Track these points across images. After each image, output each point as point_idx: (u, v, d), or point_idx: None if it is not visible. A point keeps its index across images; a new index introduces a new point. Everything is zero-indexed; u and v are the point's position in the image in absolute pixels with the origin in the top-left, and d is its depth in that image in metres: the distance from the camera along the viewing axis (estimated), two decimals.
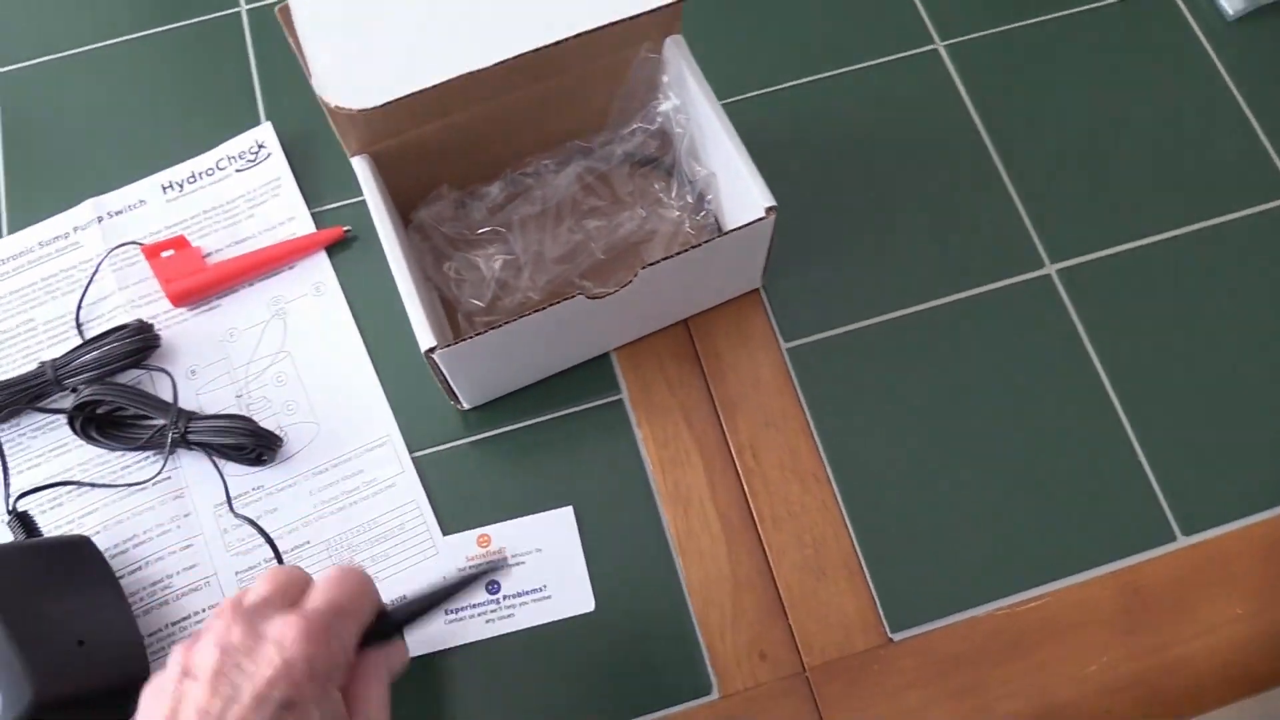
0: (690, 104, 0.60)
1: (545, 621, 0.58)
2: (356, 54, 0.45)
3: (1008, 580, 0.58)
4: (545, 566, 0.59)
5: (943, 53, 0.72)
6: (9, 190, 0.71)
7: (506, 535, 0.60)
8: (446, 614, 0.58)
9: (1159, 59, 0.72)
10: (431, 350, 0.53)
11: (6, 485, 0.62)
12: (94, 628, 0.55)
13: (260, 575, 0.47)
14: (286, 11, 0.47)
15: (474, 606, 0.58)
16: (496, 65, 0.44)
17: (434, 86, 0.46)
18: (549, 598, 0.59)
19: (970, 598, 0.58)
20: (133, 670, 0.56)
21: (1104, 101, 0.71)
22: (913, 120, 0.70)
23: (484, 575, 0.50)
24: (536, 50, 0.45)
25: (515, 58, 0.45)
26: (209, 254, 0.68)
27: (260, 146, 0.72)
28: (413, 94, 0.43)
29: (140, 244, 0.68)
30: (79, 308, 0.67)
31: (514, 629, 0.58)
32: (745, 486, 0.60)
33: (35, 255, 0.69)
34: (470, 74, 0.45)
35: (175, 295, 0.66)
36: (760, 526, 0.59)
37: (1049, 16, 0.73)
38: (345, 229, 0.68)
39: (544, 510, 0.60)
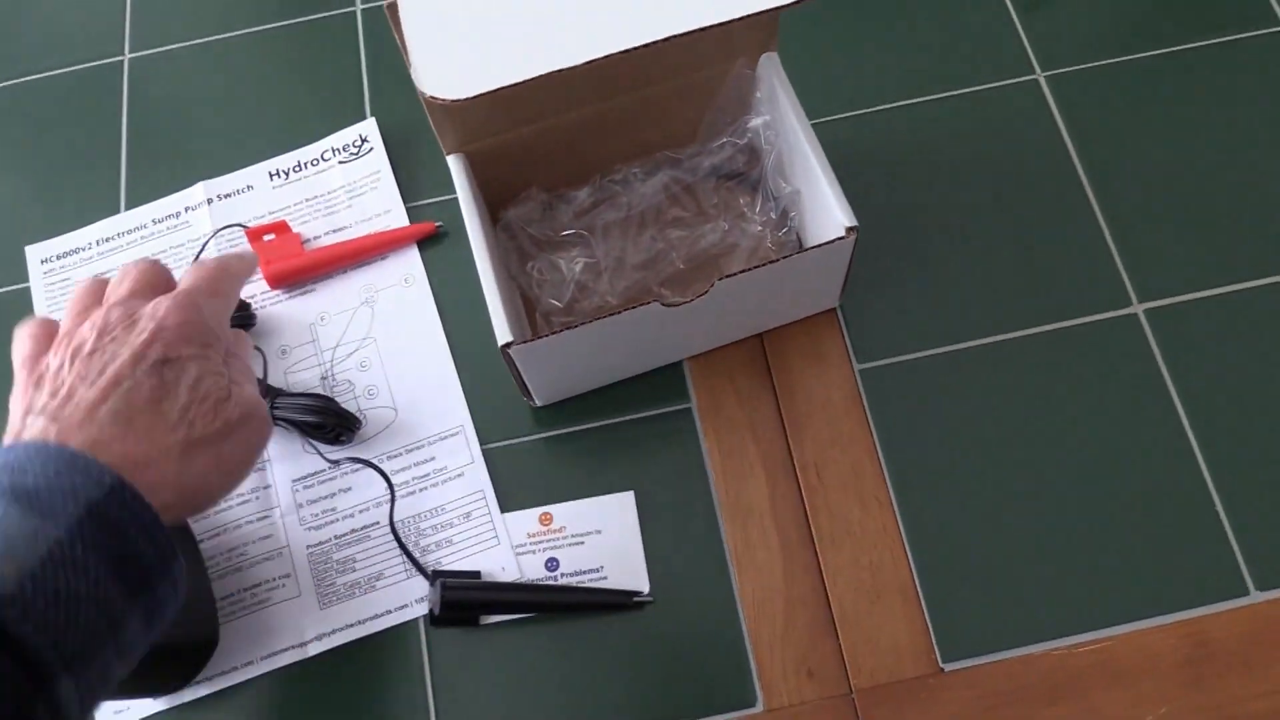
0: (780, 121, 0.61)
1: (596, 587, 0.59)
2: (457, 49, 0.47)
3: (1068, 620, 0.57)
4: (604, 547, 0.60)
5: (1043, 83, 0.71)
6: (129, 169, 0.75)
7: (567, 515, 0.61)
8: None
9: (1267, 100, 0.70)
10: (508, 345, 0.55)
11: None
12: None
13: (121, 270, 0.49)
14: (395, 8, 0.49)
15: (532, 581, 0.60)
16: (589, 64, 0.45)
17: (528, 84, 0.47)
18: (605, 579, 0.60)
19: (1027, 634, 0.57)
20: (204, 633, 0.59)
21: (1206, 141, 0.69)
22: (1005, 149, 0.69)
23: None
24: (630, 51, 0.46)
25: (608, 58, 0.46)
26: (307, 240, 0.71)
27: (364, 140, 0.75)
28: (506, 88, 0.45)
29: (245, 226, 0.71)
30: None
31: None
32: (806, 504, 0.60)
33: (149, 231, 0.73)
34: (564, 73, 0.46)
35: (273, 277, 0.69)
36: (818, 544, 0.59)
37: (1154, 53, 0.72)
38: (437, 224, 0.70)
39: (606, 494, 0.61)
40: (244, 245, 0.71)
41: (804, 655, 0.57)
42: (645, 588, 0.59)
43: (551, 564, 0.60)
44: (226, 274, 0.51)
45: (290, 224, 0.71)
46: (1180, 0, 0.74)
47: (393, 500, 0.62)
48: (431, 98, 0.44)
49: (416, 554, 0.61)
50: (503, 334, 0.55)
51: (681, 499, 0.61)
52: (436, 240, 0.70)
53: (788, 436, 0.62)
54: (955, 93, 0.71)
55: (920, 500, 0.60)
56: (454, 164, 0.60)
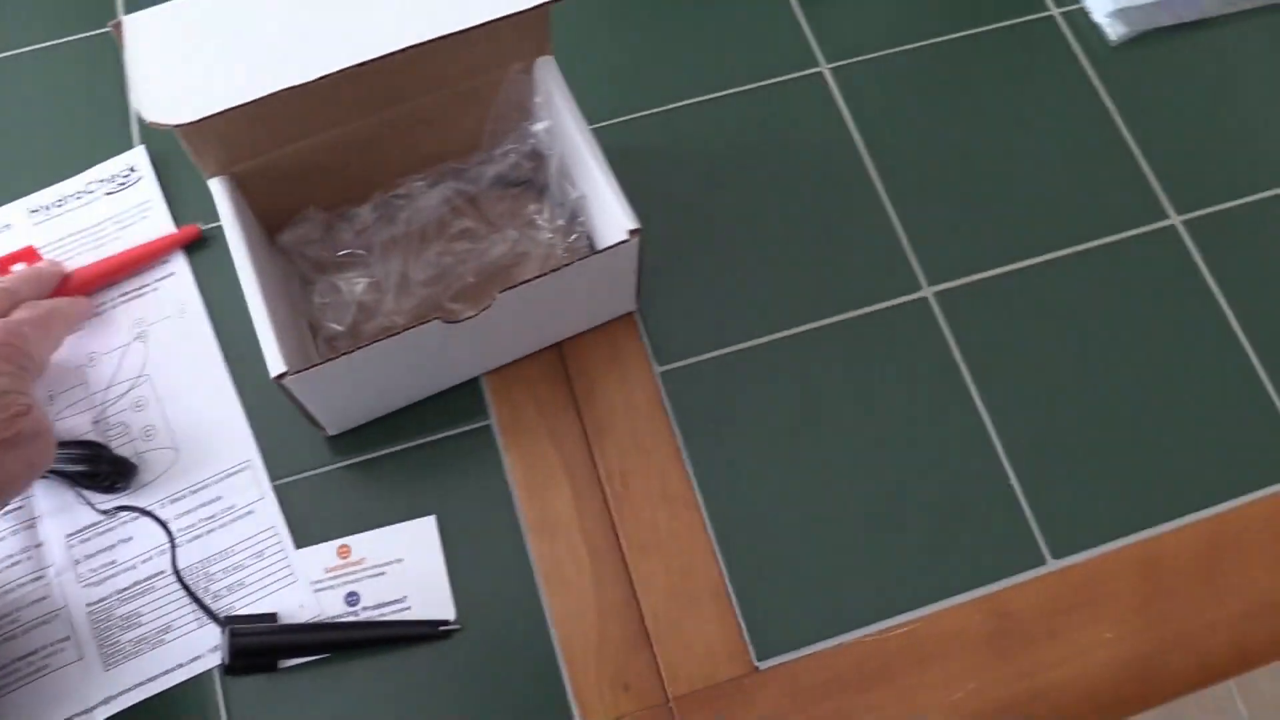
0: (559, 125, 0.59)
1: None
2: (184, 70, 0.44)
3: (877, 607, 0.57)
4: (406, 577, 0.58)
5: (827, 75, 0.72)
6: None
7: (367, 545, 0.59)
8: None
9: (1041, 84, 0.73)
10: (281, 376, 0.52)
11: None
12: None
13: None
14: (120, 28, 0.46)
15: (331, 618, 0.57)
16: (322, 79, 0.43)
17: (269, 103, 0.45)
18: (409, 609, 0.57)
19: (839, 625, 0.57)
20: None
21: (985, 125, 0.71)
22: (793, 142, 0.70)
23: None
24: (370, 63, 0.44)
25: (344, 72, 0.44)
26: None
27: (131, 170, 0.70)
28: (234, 109, 0.42)
29: None
30: None
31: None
32: (613, 513, 0.59)
33: None
34: (300, 90, 0.43)
35: None
36: (627, 554, 0.58)
37: (931, 41, 0.74)
38: (201, 226, 0.67)
39: (436, 615, 0.58)
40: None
41: (619, 669, 0.56)
42: (451, 615, 0.57)
43: (352, 598, 0.58)
44: (57, 313, 0.57)
45: (41, 252, 0.66)
46: None
47: (173, 546, 0.58)
48: (152, 123, 0.41)
49: (207, 600, 0.57)
50: (275, 365, 0.52)
51: (485, 519, 0.59)
52: (213, 265, 0.66)
53: (590, 445, 0.61)
54: (741, 89, 0.71)
55: (726, 500, 0.60)
56: (215, 187, 0.57)
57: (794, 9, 0.75)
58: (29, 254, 0.66)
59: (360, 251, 0.60)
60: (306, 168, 0.60)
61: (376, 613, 0.57)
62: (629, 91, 0.71)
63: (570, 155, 0.60)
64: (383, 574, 0.58)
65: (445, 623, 0.56)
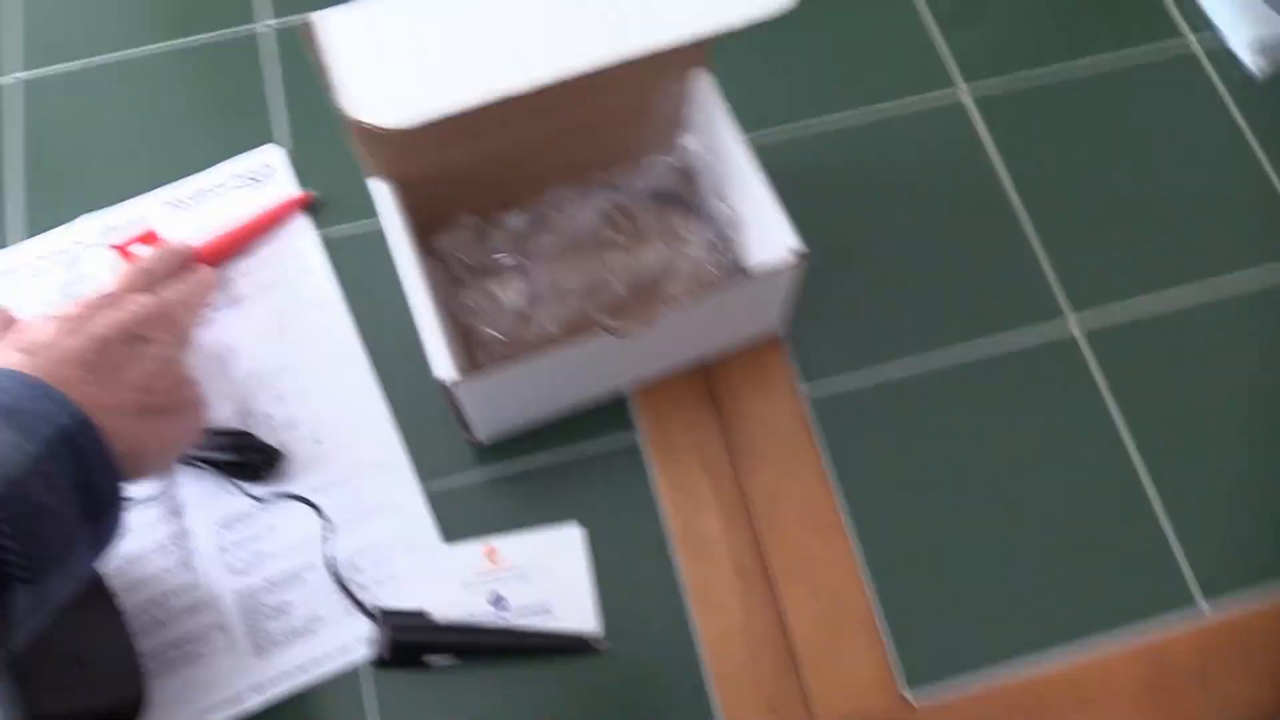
0: (716, 141, 0.59)
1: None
2: (386, 72, 0.44)
3: (1028, 642, 0.56)
4: (552, 584, 0.58)
5: (967, 99, 0.71)
6: (28, 197, 0.69)
7: (514, 549, 0.58)
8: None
9: (1184, 117, 0.72)
10: (451, 383, 0.52)
11: None
12: (93, 647, 0.54)
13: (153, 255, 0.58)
14: (310, 28, 0.46)
15: (478, 620, 0.57)
16: (534, 91, 0.43)
17: (465, 110, 0.44)
18: (554, 616, 0.57)
19: (989, 658, 0.56)
20: (129, 693, 0.55)
21: (1128, 157, 0.70)
22: (938, 166, 0.69)
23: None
24: (572, 78, 0.44)
25: (550, 85, 0.44)
26: None
27: (267, 166, 0.70)
28: (447, 117, 0.42)
29: (112, 245, 0.67)
30: None
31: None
32: (761, 536, 0.59)
33: (37, 268, 0.68)
34: (505, 98, 0.43)
35: None
36: (775, 578, 0.58)
37: (1073, 62, 0.73)
38: (313, 194, 0.68)
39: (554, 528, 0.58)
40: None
41: (768, 693, 0.55)
42: (596, 626, 0.56)
43: (498, 601, 0.57)
44: (197, 287, 0.58)
45: (159, 234, 0.67)
46: (1096, 14, 0.75)
47: (327, 538, 0.58)
48: (363, 125, 0.40)
49: (354, 591, 0.57)
50: (445, 371, 0.52)
51: (633, 535, 0.59)
52: (354, 259, 0.66)
53: (737, 467, 0.60)
54: (882, 105, 0.71)
55: (876, 526, 0.59)
56: (377, 189, 0.57)
57: (934, 30, 0.74)
58: (150, 238, 0.67)
59: (519, 259, 0.59)
60: (461, 173, 0.60)
61: (522, 618, 0.57)
62: (772, 106, 0.70)
63: (725, 172, 0.60)
64: (528, 579, 0.58)
65: (595, 638, 0.56)
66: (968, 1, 0.75)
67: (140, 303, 0.52)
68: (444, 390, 0.53)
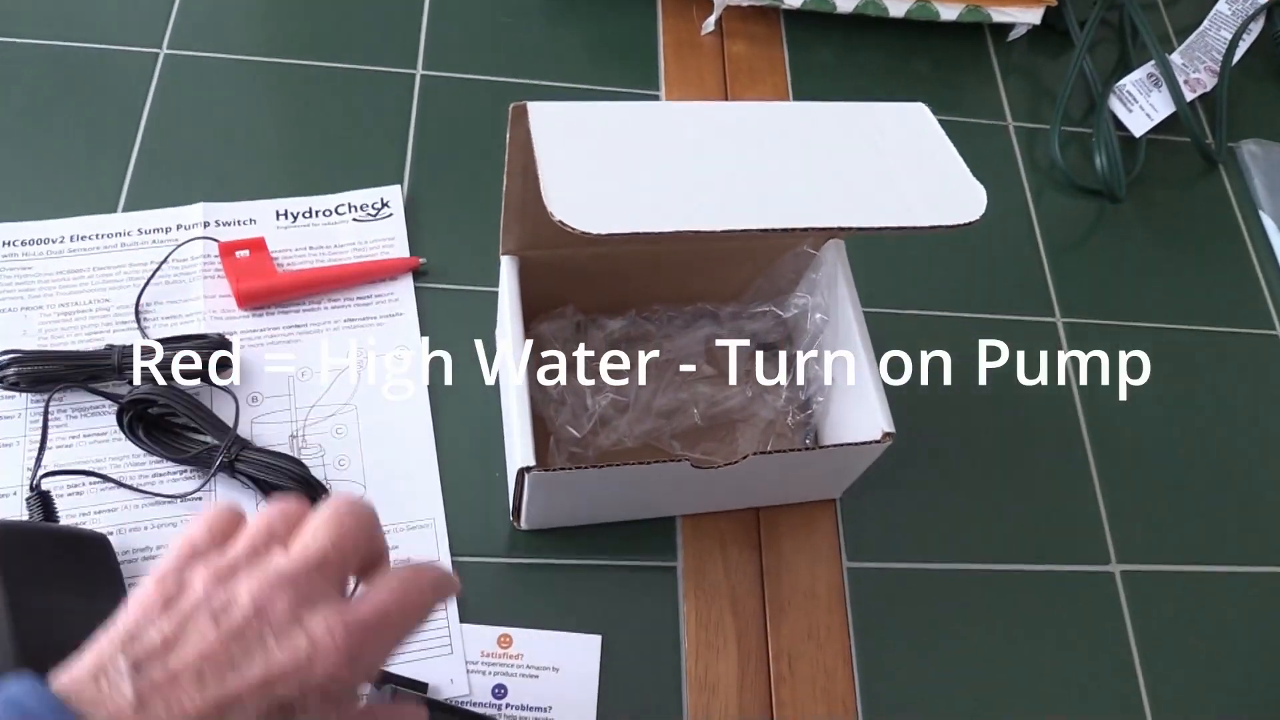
0: (834, 308, 0.61)
1: None
2: (583, 175, 0.45)
3: None
4: (558, 687, 0.57)
5: (1062, 333, 0.74)
6: (135, 169, 0.70)
7: (528, 643, 0.58)
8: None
9: (1260, 388, 0.74)
10: (528, 469, 0.52)
11: (39, 459, 0.58)
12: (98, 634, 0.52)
13: (327, 516, 0.38)
14: (524, 111, 0.47)
15: (475, 706, 0.56)
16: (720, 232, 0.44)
17: (651, 232, 0.45)
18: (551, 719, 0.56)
19: None
20: None
21: (1201, 423, 0.72)
22: (1024, 391, 0.71)
23: None
24: (758, 231, 0.45)
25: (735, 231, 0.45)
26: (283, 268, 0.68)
27: (384, 204, 0.71)
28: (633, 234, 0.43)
29: (218, 240, 0.67)
30: (139, 300, 0.65)
31: None
32: (774, 695, 0.58)
33: (132, 239, 0.68)
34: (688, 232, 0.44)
35: (242, 295, 0.65)
36: None
37: (1171, 327, 0.76)
38: (421, 260, 0.69)
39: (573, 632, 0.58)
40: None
41: None
42: None
43: (500, 690, 0.57)
44: (423, 601, 0.39)
45: (275, 256, 0.67)
46: (1198, 286, 0.79)
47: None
48: (562, 223, 0.42)
49: None
50: (525, 456, 0.52)
51: (649, 658, 0.58)
52: (442, 318, 0.67)
53: (767, 619, 0.60)
54: (982, 315, 0.73)
55: (886, 715, 0.59)
56: (506, 266, 0.58)
57: (1046, 269, 0.77)
58: (258, 244, 0.67)
59: (620, 361, 0.60)
60: (580, 269, 0.61)
61: (520, 713, 0.56)
62: (877, 286, 0.72)
63: (834, 338, 0.61)
64: (536, 677, 0.57)
65: None
66: (1076, 247, 0.78)
67: (317, 636, 0.35)
68: (518, 476, 0.53)
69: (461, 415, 0.64)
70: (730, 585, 0.61)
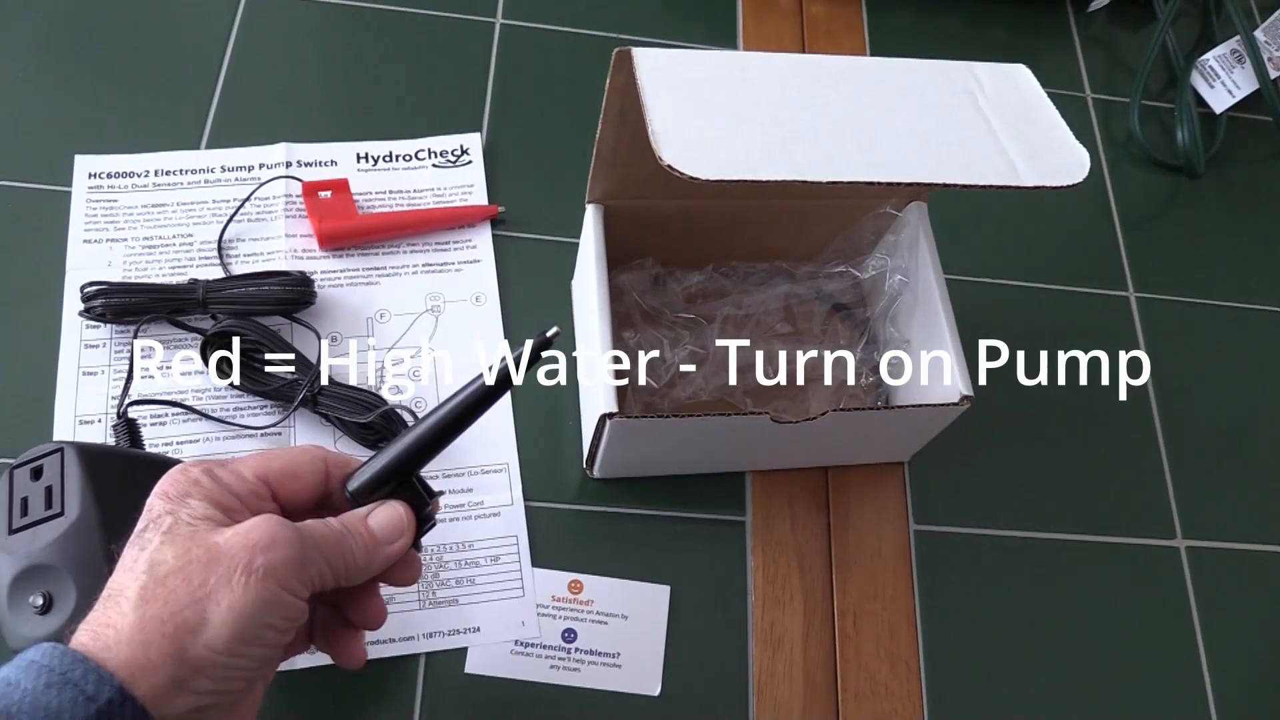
0: (915, 270, 0.61)
1: (607, 689, 0.56)
2: (692, 124, 0.45)
3: None
4: (626, 635, 0.58)
5: (1133, 303, 0.74)
6: (218, 107, 0.71)
7: (598, 590, 0.59)
8: (516, 645, 0.57)
9: None
10: (609, 415, 0.53)
11: (125, 388, 0.60)
12: None
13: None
14: (627, 57, 0.47)
15: (544, 648, 0.57)
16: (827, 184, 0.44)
17: (758, 180, 0.45)
18: (619, 667, 0.57)
19: None
20: None
21: (1272, 402, 0.72)
22: (1091, 361, 0.71)
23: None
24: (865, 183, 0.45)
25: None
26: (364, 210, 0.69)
27: (464, 151, 0.72)
28: (740, 181, 0.43)
29: (301, 180, 0.68)
30: (221, 236, 0.66)
31: (574, 684, 0.56)
32: (838, 651, 0.59)
33: (215, 176, 0.69)
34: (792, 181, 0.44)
35: (324, 235, 0.66)
36: (841, 695, 0.58)
37: (1240, 305, 0.75)
38: (500, 208, 0.69)
39: (646, 687, 0.58)
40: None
41: None
42: (657, 688, 0.57)
43: (569, 635, 0.58)
44: (370, 545, 0.43)
45: (356, 198, 0.68)
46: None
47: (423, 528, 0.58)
48: (672, 167, 0.42)
49: (434, 585, 0.57)
50: (608, 403, 0.53)
51: (716, 610, 0.59)
52: (517, 267, 0.68)
53: (833, 577, 0.61)
54: (1055, 286, 0.73)
55: (948, 672, 0.59)
56: (591, 214, 0.58)
57: (1118, 236, 0.77)
58: (341, 185, 0.68)
59: (700, 319, 0.61)
60: (663, 222, 0.62)
61: (589, 656, 0.57)
62: (961, 254, 0.72)
63: (912, 301, 0.61)
64: (605, 624, 0.58)
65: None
66: (1152, 222, 0.78)
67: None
68: (598, 422, 0.54)
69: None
70: (797, 542, 0.62)
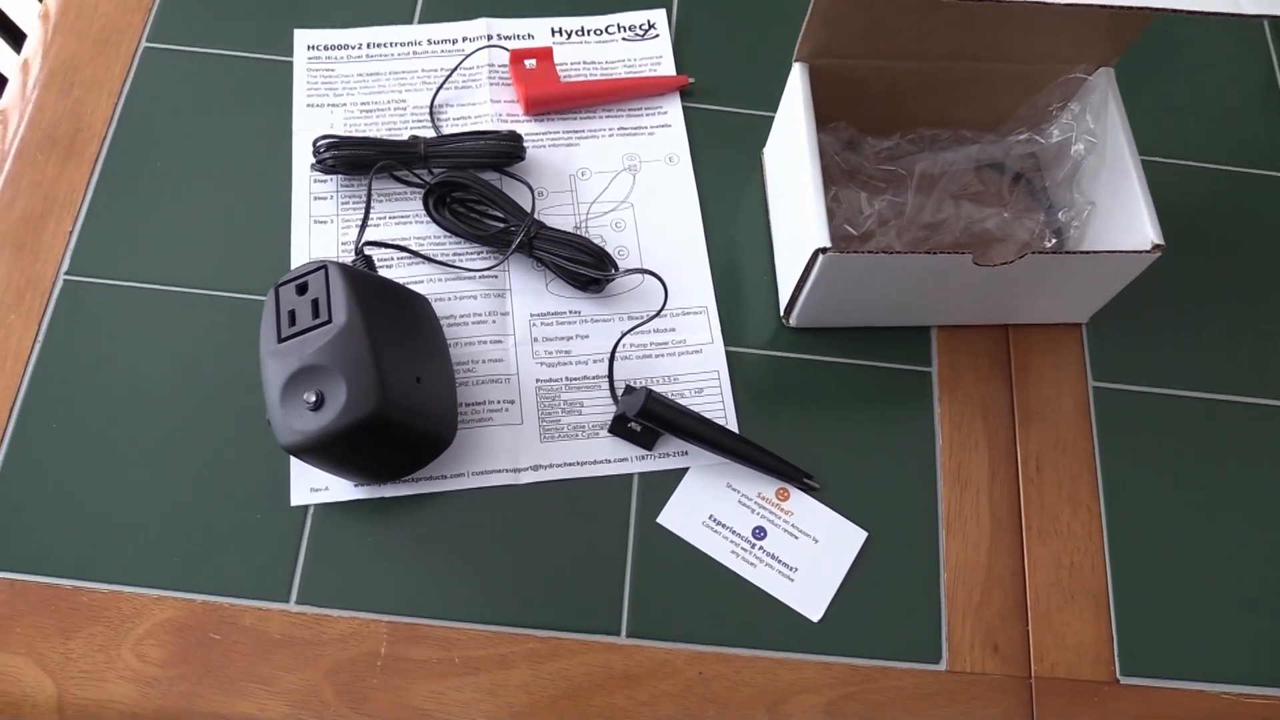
0: (1104, 132, 0.63)
1: (773, 594, 0.59)
2: None
3: (1245, 671, 0.59)
4: (810, 558, 0.60)
5: None
6: None
7: (801, 505, 0.61)
8: (710, 519, 0.60)
9: None
10: (823, 250, 0.56)
11: (362, 228, 0.64)
12: (429, 373, 0.58)
13: None
14: None
15: (733, 534, 0.60)
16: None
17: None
18: (792, 581, 0.59)
19: (1204, 671, 0.59)
20: (446, 428, 0.60)
21: None
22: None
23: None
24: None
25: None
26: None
27: (650, 25, 0.76)
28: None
29: (508, 49, 0.72)
30: (433, 100, 0.71)
31: (746, 576, 0.59)
32: (1021, 492, 0.62)
33: (421, 49, 0.73)
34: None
35: (528, 100, 0.71)
36: (1025, 533, 0.61)
37: None
38: (690, 79, 0.73)
39: (846, 515, 0.61)
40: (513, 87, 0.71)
41: (993, 631, 0.59)
42: (817, 616, 0.59)
43: (759, 532, 0.60)
44: None
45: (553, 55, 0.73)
46: None
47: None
48: None
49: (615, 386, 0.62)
50: (820, 238, 0.56)
51: (905, 449, 0.63)
52: (708, 134, 0.71)
53: (1016, 426, 0.64)
54: (1249, 170, 0.75)
55: (1128, 520, 0.62)
56: (798, 71, 0.61)
57: None
58: (545, 54, 0.73)
59: (900, 172, 0.64)
60: (859, 85, 0.64)
61: (771, 561, 0.60)
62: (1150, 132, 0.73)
63: (1098, 163, 0.63)
64: (796, 538, 0.61)
65: (810, 479, 0.61)
66: None
67: None
68: (811, 258, 0.57)
69: (727, 222, 0.68)
70: (981, 393, 0.65)
